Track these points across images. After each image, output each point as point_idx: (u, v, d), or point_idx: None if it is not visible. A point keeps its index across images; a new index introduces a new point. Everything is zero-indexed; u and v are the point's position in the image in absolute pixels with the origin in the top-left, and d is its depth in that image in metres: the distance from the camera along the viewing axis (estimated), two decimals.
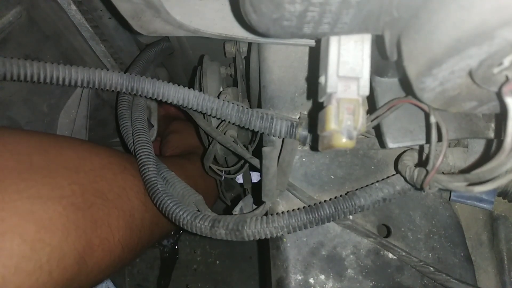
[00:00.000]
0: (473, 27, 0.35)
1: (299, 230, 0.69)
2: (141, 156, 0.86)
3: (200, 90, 0.93)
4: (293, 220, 0.68)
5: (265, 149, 0.69)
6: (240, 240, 0.70)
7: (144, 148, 0.87)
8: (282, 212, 0.70)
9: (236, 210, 0.80)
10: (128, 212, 0.86)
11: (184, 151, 1.38)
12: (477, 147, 0.68)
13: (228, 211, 0.82)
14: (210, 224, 0.72)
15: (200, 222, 0.73)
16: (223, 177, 1.11)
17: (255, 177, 1.04)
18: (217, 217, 0.73)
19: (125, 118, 0.95)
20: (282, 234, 0.69)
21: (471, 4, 0.34)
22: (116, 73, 0.81)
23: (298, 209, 0.69)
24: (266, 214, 0.72)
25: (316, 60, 0.54)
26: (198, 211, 0.78)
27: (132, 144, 0.90)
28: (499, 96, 0.41)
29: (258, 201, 0.76)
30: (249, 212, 0.76)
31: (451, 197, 0.75)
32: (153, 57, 1.12)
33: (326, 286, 0.70)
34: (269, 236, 0.69)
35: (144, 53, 1.10)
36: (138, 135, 0.89)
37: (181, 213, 0.75)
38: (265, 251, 0.86)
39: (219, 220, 0.72)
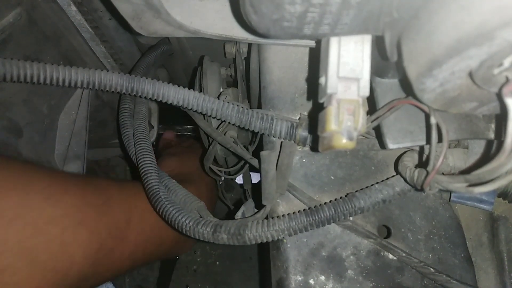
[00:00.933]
0: (474, 28, 0.35)
1: (299, 232, 0.69)
2: (143, 164, 0.86)
3: (200, 91, 0.93)
4: (294, 223, 0.68)
5: (263, 153, 0.69)
6: (242, 244, 0.70)
7: (146, 157, 0.87)
8: (283, 215, 0.70)
9: (238, 215, 0.80)
10: (61, 272, 0.74)
11: (180, 174, 1.23)
12: (477, 148, 0.68)
13: (230, 215, 0.82)
14: (212, 230, 0.72)
15: (202, 227, 0.73)
16: (223, 177, 1.11)
17: (255, 177, 1.04)
18: (219, 222, 0.73)
19: (127, 127, 0.94)
20: (283, 237, 0.70)
21: (471, 4, 0.34)
22: (116, 74, 0.81)
23: (299, 211, 0.69)
24: (267, 217, 0.72)
25: (316, 61, 0.54)
26: (200, 217, 0.78)
27: (134, 152, 0.90)
28: (499, 97, 0.41)
29: (259, 204, 0.76)
30: (251, 216, 0.77)
31: (451, 198, 0.75)
32: (153, 61, 1.12)
33: (326, 287, 0.70)
34: (270, 240, 0.69)
35: (144, 58, 1.10)
36: (140, 143, 0.89)
37: (183, 219, 0.76)
38: (265, 252, 0.86)
39: (220, 225, 0.72)
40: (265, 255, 0.87)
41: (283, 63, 0.79)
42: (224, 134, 0.90)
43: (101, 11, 1.04)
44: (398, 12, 0.41)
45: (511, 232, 0.79)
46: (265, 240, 0.69)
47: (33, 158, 1.03)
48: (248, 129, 0.76)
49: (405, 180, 0.65)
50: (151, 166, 0.86)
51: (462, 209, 0.81)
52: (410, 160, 0.66)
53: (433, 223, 0.74)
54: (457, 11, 0.35)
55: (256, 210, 0.81)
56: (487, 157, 0.66)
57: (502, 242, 0.78)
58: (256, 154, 0.77)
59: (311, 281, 0.70)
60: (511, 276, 0.77)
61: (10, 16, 0.89)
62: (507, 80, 0.40)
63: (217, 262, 1.97)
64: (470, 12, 0.34)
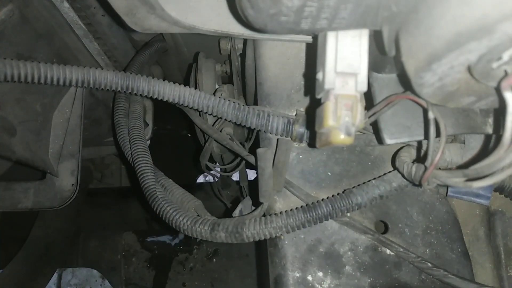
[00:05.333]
0: (474, 21, 0.34)
1: (297, 229, 0.69)
2: (139, 164, 0.85)
3: (196, 88, 0.93)
4: (291, 220, 0.68)
5: (259, 151, 0.68)
6: (240, 242, 0.70)
7: (142, 157, 0.86)
8: (280, 212, 0.70)
9: (236, 212, 0.80)
10: None
11: None
12: (474, 143, 0.68)
13: (227, 213, 0.82)
14: (210, 228, 0.72)
15: (200, 226, 0.73)
16: (219, 175, 1.11)
17: (251, 174, 1.03)
18: (217, 221, 0.73)
19: (122, 126, 0.93)
20: (281, 234, 0.69)
21: None
22: (111, 72, 0.81)
23: (296, 208, 0.69)
24: (264, 215, 0.72)
25: (313, 57, 0.54)
26: (198, 216, 0.78)
27: (130, 152, 0.89)
28: (498, 91, 0.41)
29: (256, 202, 0.76)
30: (248, 213, 0.76)
31: (448, 193, 0.75)
32: (147, 58, 1.11)
33: (324, 283, 0.70)
34: (268, 237, 0.69)
35: (138, 56, 1.10)
36: (135, 143, 0.88)
37: (181, 218, 0.75)
38: (263, 249, 0.86)
39: (218, 224, 0.71)
40: (263, 252, 0.87)
41: (279, 59, 0.79)
42: (220, 131, 0.90)
43: (94, 8, 1.03)
44: (397, 6, 0.41)
45: (508, 226, 0.79)
46: (263, 238, 0.69)
47: (27, 157, 1.02)
48: (245, 125, 0.76)
49: (403, 175, 0.65)
50: (147, 166, 0.85)
51: (459, 204, 0.81)
52: (408, 156, 0.66)
53: (430, 218, 0.74)
54: (457, 5, 0.35)
55: (253, 208, 0.81)
56: (485, 151, 0.66)
57: (498, 237, 0.79)
58: (253, 150, 0.77)
59: (309, 278, 0.70)
60: (508, 270, 0.77)
61: (2, 13, 0.88)
62: (506, 74, 0.40)
63: (214, 260, 1.97)
64: (471, 5, 0.34)
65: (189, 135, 2.11)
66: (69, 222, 1.82)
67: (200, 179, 2.06)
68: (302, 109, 0.78)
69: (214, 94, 0.94)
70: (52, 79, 0.78)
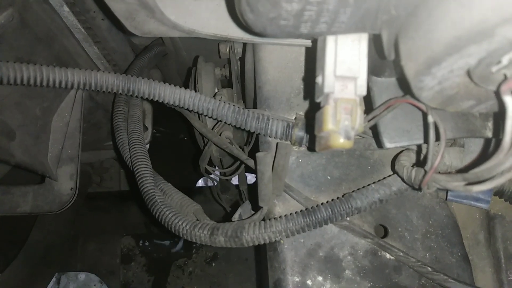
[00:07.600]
0: (473, 25, 0.34)
1: (297, 233, 0.69)
2: (138, 168, 0.85)
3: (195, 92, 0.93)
4: (291, 224, 0.67)
5: (259, 154, 0.68)
6: (239, 246, 0.70)
7: (141, 161, 0.86)
8: (280, 217, 0.69)
9: (235, 217, 0.80)
10: None
11: None
12: (473, 147, 0.68)
13: (226, 217, 0.81)
14: (209, 232, 0.71)
15: (199, 231, 0.72)
16: (218, 178, 1.11)
17: (250, 178, 1.03)
18: (216, 225, 0.73)
19: (121, 130, 0.93)
20: (280, 238, 0.69)
21: (471, 2, 0.34)
22: (112, 75, 0.81)
23: (296, 212, 0.69)
24: (264, 219, 0.72)
25: (312, 60, 0.54)
26: (197, 220, 0.77)
27: (129, 156, 0.89)
28: (497, 94, 0.41)
29: (256, 206, 0.76)
30: (248, 217, 0.76)
31: (448, 197, 0.75)
32: (147, 62, 1.11)
33: (324, 287, 0.70)
34: (267, 241, 0.69)
35: (138, 59, 1.10)
36: (135, 147, 0.88)
37: (180, 223, 0.75)
38: (262, 253, 0.85)
39: (218, 228, 0.71)
40: (262, 256, 0.87)
41: (278, 63, 0.79)
42: (220, 135, 0.90)
43: (94, 12, 1.03)
44: (396, 9, 0.41)
45: (508, 230, 0.79)
46: (262, 242, 0.69)
47: (26, 161, 1.02)
48: (244, 129, 0.76)
49: (402, 179, 0.65)
50: (147, 170, 0.85)
51: (459, 207, 0.80)
52: (407, 159, 0.66)
53: (430, 222, 0.74)
54: (456, 9, 0.35)
55: (253, 212, 0.80)
56: (484, 155, 0.66)
57: (498, 241, 0.79)
58: (252, 154, 0.77)
59: (309, 282, 0.70)
60: (508, 274, 0.77)
61: (2, 18, 0.88)
62: (505, 78, 0.40)
63: (213, 264, 1.96)
64: (470, 9, 0.34)
65: (185, 138, 2.11)
66: (68, 226, 1.82)
67: (200, 183, 2.06)
68: (302, 113, 0.78)
69: (213, 97, 0.94)
70: (54, 82, 0.78)
